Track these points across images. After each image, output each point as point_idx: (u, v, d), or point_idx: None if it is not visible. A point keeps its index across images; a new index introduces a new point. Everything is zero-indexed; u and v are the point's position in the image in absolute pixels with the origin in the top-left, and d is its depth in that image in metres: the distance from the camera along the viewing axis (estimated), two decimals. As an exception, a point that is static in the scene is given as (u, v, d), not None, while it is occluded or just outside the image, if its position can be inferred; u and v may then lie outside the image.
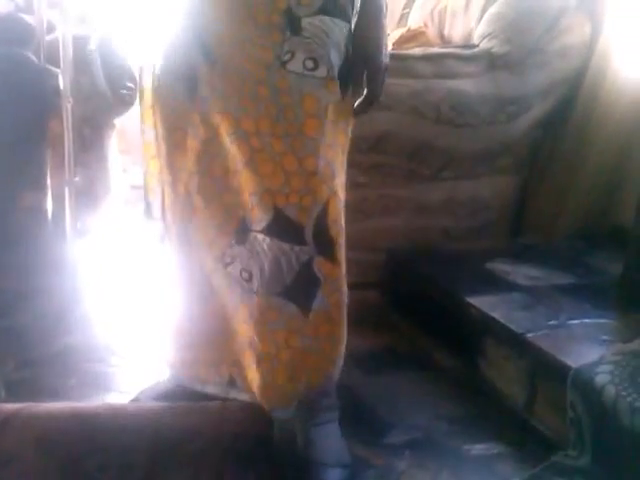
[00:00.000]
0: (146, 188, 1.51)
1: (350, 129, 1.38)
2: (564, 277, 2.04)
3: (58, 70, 2.20)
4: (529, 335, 1.65)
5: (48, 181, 2.22)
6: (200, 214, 1.39)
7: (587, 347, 1.59)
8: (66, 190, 2.22)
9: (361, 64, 1.33)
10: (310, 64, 1.27)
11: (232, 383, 1.49)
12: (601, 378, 1.42)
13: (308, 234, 1.31)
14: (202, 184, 1.37)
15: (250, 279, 1.35)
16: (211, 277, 1.43)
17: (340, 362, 1.42)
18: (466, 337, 1.85)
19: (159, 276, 1.52)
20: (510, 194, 2.51)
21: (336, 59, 1.29)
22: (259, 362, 1.38)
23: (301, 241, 1.31)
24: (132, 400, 1.57)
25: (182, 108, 1.35)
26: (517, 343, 1.66)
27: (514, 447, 1.55)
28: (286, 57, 1.26)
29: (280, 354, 1.36)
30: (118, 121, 2.61)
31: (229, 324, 1.44)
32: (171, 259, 1.49)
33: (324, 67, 1.27)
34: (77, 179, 2.26)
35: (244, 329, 1.40)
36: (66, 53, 2.19)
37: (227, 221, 1.37)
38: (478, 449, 1.55)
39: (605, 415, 1.37)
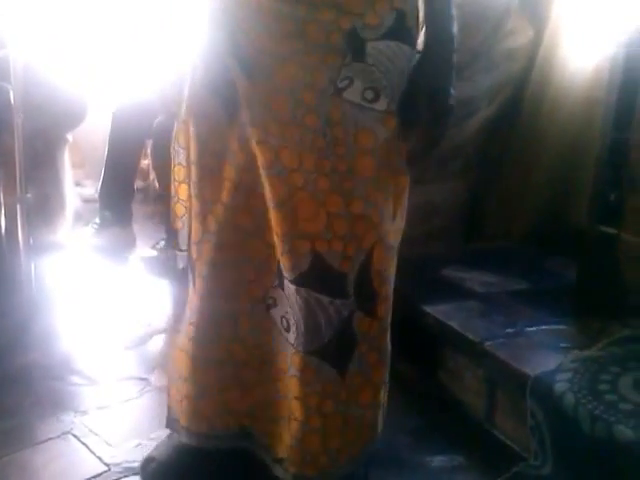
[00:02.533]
0: (173, 216, 1.34)
1: (406, 168, 1.23)
2: (519, 283, 2.04)
3: (9, 85, 2.14)
4: (487, 344, 1.64)
5: (0, 197, 2.15)
6: (232, 252, 1.23)
7: (545, 355, 1.58)
8: (18, 206, 2.15)
9: (425, 100, 1.16)
10: (370, 95, 1.12)
11: (245, 435, 1.33)
12: (560, 386, 1.42)
13: (350, 285, 1.17)
14: (237, 220, 1.21)
15: (288, 329, 1.22)
16: (242, 319, 1.27)
17: (380, 429, 1.30)
18: (425, 347, 1.83)
19: (171, 312, 1.39)
20: (462, 198, 2.51)
21: (398, 91, 1.15)
22: (290, 420, 1.24)
23: (343, 293, 1.17)
24: (146, 459, 1.42)
25: (219, 130, 1.19)
26: (475, 352, 1.65)
27: (476, 458, 1.54)
28: (343, 84, 1.11)
29: (311, 420, 1.22)
30: (71, 135, 2.54)
31: (253, 371, 1.29)
32: (190, 298, 1.31)
33: (385, 99, 1.13)
34: (29, 195, 2.19)
35: (279, 379, 1.26)
36: (16, 68, 2.12)
37: (268, 260, 1.21)
38: (439, 461, 1.53)
39: (565, 423, 1.36)
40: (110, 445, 1.54)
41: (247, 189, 1.18)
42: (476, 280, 2.05)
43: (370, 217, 1.16)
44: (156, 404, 1.70)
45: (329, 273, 1.15)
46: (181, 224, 1.32)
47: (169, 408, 1.40)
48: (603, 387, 1.41)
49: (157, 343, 2.00)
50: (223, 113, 1.17)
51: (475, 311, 1.83)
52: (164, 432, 1.55)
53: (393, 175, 1.20)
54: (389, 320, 1.25)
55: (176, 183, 1.30)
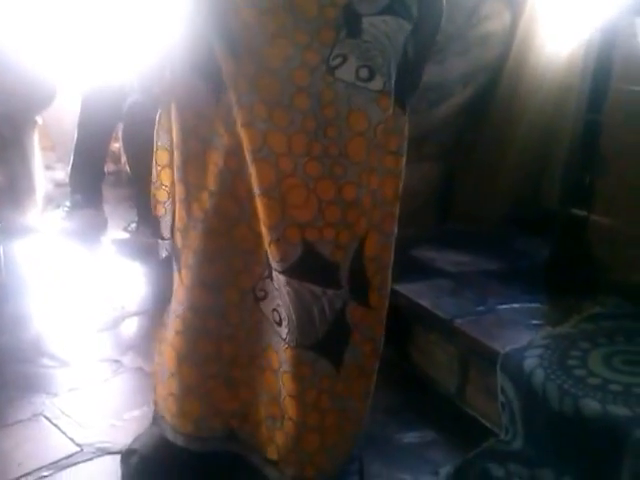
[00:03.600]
0: (154, 201, 1.27)
1: (403, 150, 1.18)
2: (492, 262, 2.05)
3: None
4: (457, 321, 1.65)
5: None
6: (221, 240, 1.17)
7: (516, 332, 1.60)
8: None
9: (419, 74, 1.15)
10: (365, 73, 1.06)
11: (231, 437, 1.27)
12: (530, 362, 1.43)
13: (343, 275, 1.12)
14: (223, 206, 1.15)
15: (280, 323, 1.15)
16: (231, 312, 1.21)
17: (366, 419, 1.27)
18: (397, 325, 1.84)
19: (157, 304, 1.35)
20: (437, 181, 2.51)
21: (394, 69, 1.09)
22: (283, 420, 1.19)
23: (335, 283, 1.12)
24: (128, 451, 1.37)
25: (204, 112, 1.13)
26: (445, 330, 1.66)
27: (447, 434, 1.55)
28: (336, 61, 1.05)
29: (308, 417, 1.17)
30: (40, 117, 2.51)
31: (241, 368, 1.23)
32: (176, 289, 1.25)
33: (380, 78, 1.07)
34: (-2, 178, 2.17)
35: (268, 377, 1.21)
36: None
37: (257, 249, 1.15)
38: (411, 437, 1.55)
39: (535, 398, 1.38)
40: (82, 426, 1.53)
41: (233, 174, 1.12)
42: (448, 260, 2.06)
43: (362, 203, 1.11)
44: (129, 386, 1.70)
45: (321, 263, 1.10)
46: (164, 210, 1.25)
47: (155, 404, 1.35)
48: (572, 362, 1.43)
49: (130, 325, 1.99)
50: (208, 94, 1.11)
51: (446, 290, 1.84)
52: (137, 413, 1.56)
53: (388, 157, 1.14)
54: (385, 310, 1.21)
55: (158, 167, 1.24)
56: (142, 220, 2.36)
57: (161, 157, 1.23)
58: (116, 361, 1.79)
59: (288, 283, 1.10)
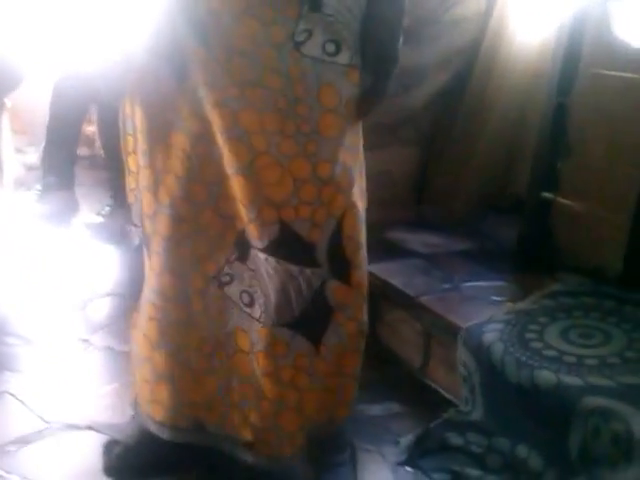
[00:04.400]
0: (127, 189, 1.26)
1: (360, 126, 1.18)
2: (461, 243, 2.09)
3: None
4: (423, 298, 1.69)
5: None
6: (188, 226, 1.16)
7: (479, 308, 1.64)
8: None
9: (373, 52, 1.11)
10: (331, 48, 1.05)
11: (199, 429, 1.25)
12: (490, 336, 1.47)
13: (321, 254, 1.11)
14: (191, 191, 1.13)
15: (252, 304, 1.15)
16: (196, 300, 1.20)
17: (354, 401, 1.27)
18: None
19: (131, 290, 1.32)
20: (413, 165, 2.54)
21: (358, 41, 1.08)
22: (260, 400, 1.17)
23: (312, 262, 1.11)
24: (110, 442, 1.38)
25: (169, 97, 1.11)
26: (412, 307, 1.70)
27: (410, 406, 1.59)
28: (301, 37, 1.03)
29: (285, 395, 1.17)
30: (9, 100, 2.49)
31: (203, 358, 1.22)
32: (148, 275, 1.24)
33: (347, 52, 1.06)
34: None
35: (238, 360, 1.19)
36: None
37: (223, 234, 1.15)
38: (376, 410, 1.58)
39: (494, 370, 1.42)
40: (50, 403, 1.54)
41: (201, 159, 1.11)
42: (420, 241, 2.10)
43: (339, 181, 1.10)
44: (97, 364, 1.72)
45: (297, 242, 1.10)
46: (133, 198, 1.24)
47: (134, 391, 1.35)
48: (530, 336, 1.47)
49: (100, 306, 2.00)
50: (172, 79, 1.10)
51: (416, 269, 1.88)
52: (105, 390, 1.57)
53: (356, 134, 1.15)
54: (366, 289, 1.21)
55: (126, 154, 1.23)
56: (116, 204, 2.37)
57: (127, 144, 1.22)
58: (85, 340, 1.80)
59: (267, 261, 1.10)
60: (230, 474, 1.29)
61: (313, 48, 1.04)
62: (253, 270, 1.13)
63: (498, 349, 1.43)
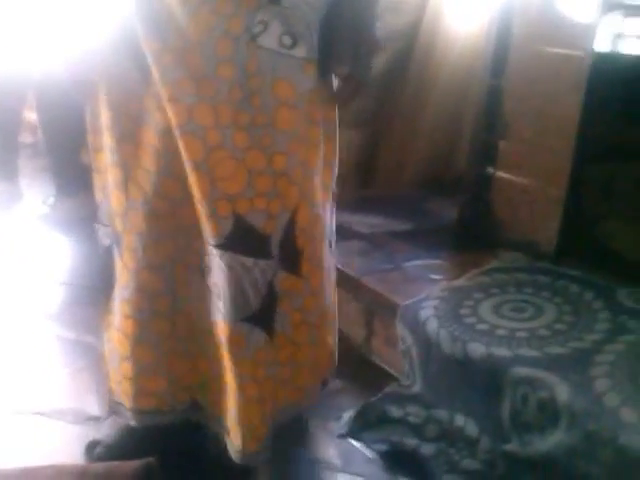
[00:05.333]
0: (95, 188, 1.24)
1: (335, 119, 1.18)
2: (403, 224, 2.15)
3: None
4: (365, 278, 1.74)
5: None
6: (166, 222, 1.15)
7: (418, 286, 1.69)
8: None
9: (349, 38, 1.11)
10: (288, 40, 1.05)
11: (196, 407, 1.27)
12: (425, 312, 1.53)
13: (274, 245, 1.12)
14: (164, 187, 1.12)
15: (219, 297, 1.15)
16: (181, 289, 1.20)
17: (312, 390, 1.29)
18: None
19: (103, 292, 1.29)
20: (358, 147, 2.58)
21: (317, 35, 1.08)
22: (228, 393, 1.20)
23: (266, 254, 1.11)
24: (91, 442, 1.36)
25: (134, 91, 1.10)
26: (354, 286, 1.74)
27: (354, 382, 1.64)
28: (257, 28, 1.03)
29: (247, 389, 1.17)
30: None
31: (197, 342, 1.23)
32: (120, 273, 1.22)
33: (304, 45, 1.06)
34: None
35: (219, 348, 1.20)
36: None
37: (200, 226, 1.13)
38: (322, 387, 1.61)
39: (430, 345, 1.48)
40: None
41: (170, 153, 1.10)
42: (364, 223, 2.15)
43: (293, 174, 1.10)
44: (53, 350, 1.73)
45: (252, 234, 1.09)
46: (102, 196, 1.22)
47: (110, 391, 1.33)
48: (464, 311, 1.53)
49: (52, 295, 1.99)
50: (135, 74, 1.09)
51: (358, 250, 1.93)
52: (57, 377, 1.58)
53: (314, 128, 1.13)
54: (318, 280, 1.21)
55: (93, 152, 1.21)
56: (60, 192, 2.35)
57: (94, 141, 1.20)
58: (37, 328, 1.81)
59: (221, 257, 1.10)
60: (211, 463, 1.32)
61: (269, 40, 1.04)
62: (213, 265, 1.14)
63: (433, 324, 1.49)
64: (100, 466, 1.21)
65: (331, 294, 1.33)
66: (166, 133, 1.08)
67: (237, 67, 1.03)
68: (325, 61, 1.11)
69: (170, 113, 1.05)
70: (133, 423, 1.29)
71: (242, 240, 1.09)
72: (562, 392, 1.24)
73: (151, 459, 1.18)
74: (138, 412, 1.28)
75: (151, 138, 1.11)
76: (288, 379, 1.24)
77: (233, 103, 1.04)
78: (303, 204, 1.14)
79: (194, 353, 1.24)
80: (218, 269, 1.11)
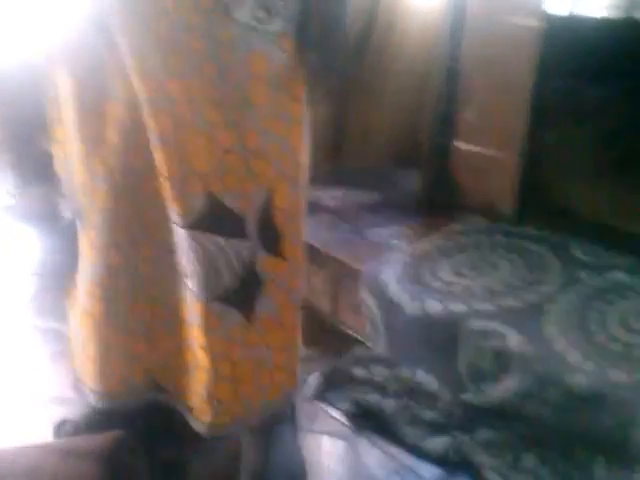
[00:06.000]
0: (55, 160, 1.21)
1: (305, 97, 1.13)
2: (369, 196, 2.19)
3: None
4: (330, 249, 1.79)
5: None
6: (130, 198, 1.11)
7: (380, 252, 1.74)
8: None
9: (316, 19, 1.08)
10: (262, 14, 1.01)
11: (157, 388, 1.25)
12: (387, 276, 1.58)
13: (250, 226, 1.09)
14: (129, 162, 1.09)
15: (189, 276, 1.12)
16: (145, 268, 1.17)
17: (299, 374, 1.26)
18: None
19: (63, 270, 1.28)
20: (324, 122, 2.62)
21: (295, 9, 1.05)
22: (196, 369, 1.17)
23: (240, 234, 1.08)
24: (60, 422, 1.36)
25: (97, 62, 1.05)
26: (320, 257, 1.79)
27: (322, 349, 1.69)
28: (230, 2, 0.99)
29: (220, 367, 1.14)
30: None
31: (161, 322, 1.20)
32: (85, 251, 1.19)
33: (279, 20, 1.03)
34: None
35: (184, 327, 1.18)
36: None
37: (165, 202, 1.10)
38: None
39: (391, 306, 1.53)
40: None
41: (136, 127, 1.05)
42: (330, 196, 2.19)
43: (268, 151, 1.06)
44: (28, 338, 1.76)
45: (225, 214, 1.06)
46: (62, 168, 1.19)
47: (74, 371, 1.32)
48: (424, 273, 1.59)
49: (24, 285, 2.02)
50: (99, 43, 1.04)
51: (324, 223, 1.97)
52: (33, 363, 1.61)
53: (294, 104, 1.09)
54: (301, 261, 1.19)
55: (51, 122, 1.17)
56: (25, 183, 2.35)
57: (52, 111, 1.16)
58: (8, 319, 1.83)
59: (192, 237, 1.07)
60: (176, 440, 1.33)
61: (243, 13, 1.00)
62: (181, 244, 1.11)
63: (394, 286, 1.54)
64: (66, 441, 1.22)
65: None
66: (131, 106, 1.04)
67: (209, 41, 1.00)
68: (302, 41, 1.08)
69: (137, 86, 1.01)
70: (99, 404, 1.28)
71: (215, 219, 1.06)
72: (514, 340, 1.30)
73: (119, 432, 1.19)
74: (101, 394, 1.26)
75: (116, 111, 1.06)
76: (284, 365, 1.22)
77: (205, 78, 1.00)
78: (282, 184, 1.09)
79: (155, 333, 1.21)
80: (189, 248, 1.08)
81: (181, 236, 1.08)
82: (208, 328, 1.12)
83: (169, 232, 1.11)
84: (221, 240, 1.07)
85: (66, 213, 1.22)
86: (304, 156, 1.16)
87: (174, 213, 1.07)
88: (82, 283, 1.21)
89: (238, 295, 1.11)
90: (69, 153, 1.15)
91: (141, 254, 1.16)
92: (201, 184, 1.04)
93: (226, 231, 1.07)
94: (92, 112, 1.08)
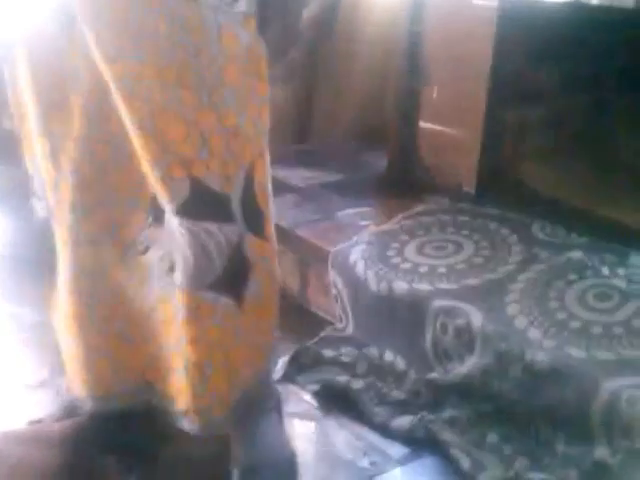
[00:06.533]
0: (25, 156, 1.19)
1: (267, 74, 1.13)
2: (335, 176, 2.22)
3: None
4: (297, 230, 1.80)
5: None
6: (95, 192, 1.09)
7: (348, 233, 1.77)
8: None
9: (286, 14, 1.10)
10: None
11: (147, 389, 1.21)
12: (354, 256, 1.61)
13: (235, 208, 1.08)
14: (93, 152, 1.07)
15: (172, 270, 1.09)
16: (114, 270, 1.15)
17: (275, 354, 1.27)
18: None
19: (45, 269, 1.24)
20: (290, 102, 2.62)
21: None
22: (187, 369, 1.14)
23: (229, 217, 1.07)
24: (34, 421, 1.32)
25: (56, 48, 1.03)
26: (288, 238, 1.81)
27: (290, 331, 1.70)
28: None
29: (214, 357, 1.13)
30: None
31: (140, 325, 1.18)
32: (61, 250, 1.17)
33: (244, 0, 1.04)
34: None
35: (166, 329, 1.15)
36: None
37: (136, 197, 1.09)
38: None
39: (358, 286, 1.56)
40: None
41: (100, 116, 1.05)
42: (297, 176, 2.20)
43: (245, 130, 1.06)
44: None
45: (211, 198, 1.05)
46: (32, 167, 1.17)
47: (64, 373, 1.29)
48: (391, 253, 1.62)
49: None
50: (58, 28, 1.03)
51: (291, 203, 1.99)
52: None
53: (261, 84, 1.10)
54: (275, 240, 1.19)
55: (18, 119, 1.15)
56: None
57: (17, 108, 1.14)
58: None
59: (181, 224, 1.05)
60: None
61: None
62: (170, 235, 1.08)
63: (361, 266, 1.57)
64: (28, 428, 1.21)
65: None
66: (95, 93, 1.03)
67: (177, 24, 0.99)
68: (264, 17, 1.08)
69: (109, 75, 1.00)
70: (87, 408, 1.24)
71: (202, 205, 1.05)
72: (476, 318, 1.34)
73: (81, 418, 1.19)
74: (88, 397, 1.24)
75: (77, 99, 1.05)
76: (269, 345, 1.23)
77: (178, 62, 1.00)
78: (258, 161, 1.10)
79: (138, 335, 1.19)
80: (179, 238, 1.06)
81: (170, 225, 1.07)
82: (200, 318, 1.10)
83: (139, 229, 1.10)
84: (213, 226, 1.06)
85: (41, 212, 1.20)
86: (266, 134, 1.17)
87: (162, 200, 1.06)
88: (60, 284, 1.19)
89: (229, 281, 1.10)
90: (35, 149, 1.13)
91: (109, 255, 1.15)
92: (185, 169, 1.03)
93: (214, 216, 1.06)
94: (56, 106, 1.07)
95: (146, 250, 1.11)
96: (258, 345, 1.19)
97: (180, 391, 1.17)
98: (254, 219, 1.10)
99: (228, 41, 1.03)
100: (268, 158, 1.14)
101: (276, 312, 1.21)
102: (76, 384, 1.24)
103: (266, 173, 1.12)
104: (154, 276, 1.12)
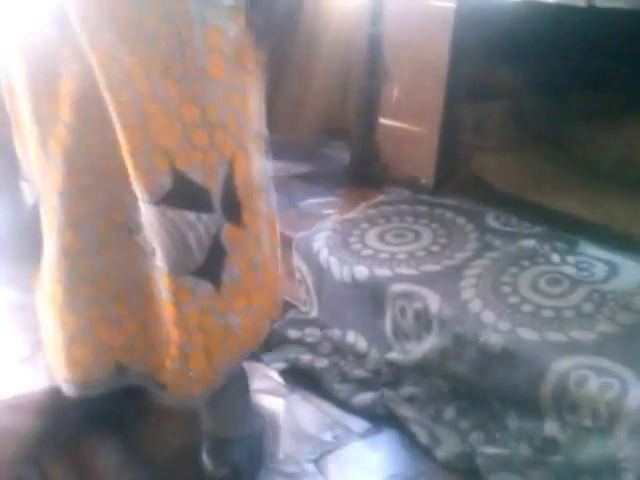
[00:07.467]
0: (15, 144, 1.20)
1: (259, 65, 1.17)
2: (301, 167, 2.28)
3: None
4: (263, 217, 1.86)
5: None
6: (86, 178, 1.11)
7: (311, 221, 1.84)
8: None
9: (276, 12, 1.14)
10: None
11: (121, 371, 1.24)
12: (318, 243, 1.68)
13: (215, 199, 1.09)
14: (84, 140, 1.08)
15: (154, 254, 1.12)
16: (104, 250, 1.16)
17: (261, 337, 1.29)
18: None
19: (31, 253, 1.25)
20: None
21: None
22: (169, 345, 1.17)
23: (208, 208, 1.09)
24: None
25: (47, 36, 1.05)
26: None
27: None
28: None
29: (193, 339, 1.16)
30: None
31: (123, 304, 1.20)
32: (47, 234, 1.18)
33: None
34: None
35: (153, 305, 1.18)
36: None
37: (128, 181, 1.08)
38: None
39: (322, 271, 1.63)
40: None
41: (91, 104, 1.05)
42: (264, 168, 2.25)
43: (227, 124, 1.07)
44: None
45: (193, 189, 1.06)
46: (22, 152, 1.19)
47: (47, 357, 1.31)
48: (353, 240, 1.69)
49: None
50: (49, 16, 1.03)
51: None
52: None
53: (246, 76, 1.12)
54: (258, 228, 1.21)
55: (10, 106, 1.16)
56: None
57: (9, 94, 1.15)
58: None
59: (162, 213, 1.06)
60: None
61: None
62: (149, 223, 1.10)
63: (325, 253, 1.64)
64: (9, 398, 1.25)
65: (269, 239, 1.31)
66: (84, 82, 1.04)
67: (163, 17, 1.00)
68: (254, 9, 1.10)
69: (95, 64, 1.01)
70: (69, 393, 1.27)
71: (184, 196, 1.06)
72: (434, 302, 1.42)
73: (57, 386, 1.23)
74: (69, 383, 1.26)
75: (69, 87, 1.05)
76: (250, 326, 1.24)
77: (163, 54, 1.01)
78: (240, 154, 1.11)
79: (119, 315, 1.21)
80: (159, 227, 1.08)
81: (149, 213, 1.08)
82: (181, 302, 1.13)
83: (130, 212, 1.12)
84: (190, 215, 1.08)
85: (30, 198, 1.21)
86: (262, 126, 1.22)
87: (141, 190, 1.07)
88: (45, 268, 1.21)
89: (207, 267, 1.12)
90: (26, 136, 1.15)
91: (99, 236, 1.16)
92: (168, 161, 1.04)
93: (194, 206, 1.08)
94: (46, 94, 1.07)
95: (138, 229, 1.12)
96: (235, 327, 1.21)
97: (160, 366, 1.20)
98: (232, 209, 1.12)
99: (214, 35, 1.04)
100: (255, 150, 1.17)
101: (250, 296, 1.23)
102: (57, 369, 1.26)
103: (249, 165, 1.14)
104: (145, 253, 1.14)
